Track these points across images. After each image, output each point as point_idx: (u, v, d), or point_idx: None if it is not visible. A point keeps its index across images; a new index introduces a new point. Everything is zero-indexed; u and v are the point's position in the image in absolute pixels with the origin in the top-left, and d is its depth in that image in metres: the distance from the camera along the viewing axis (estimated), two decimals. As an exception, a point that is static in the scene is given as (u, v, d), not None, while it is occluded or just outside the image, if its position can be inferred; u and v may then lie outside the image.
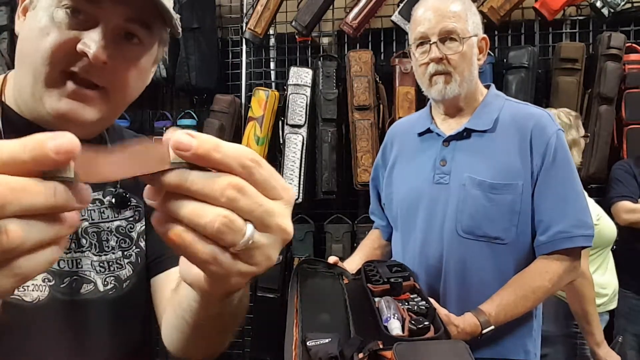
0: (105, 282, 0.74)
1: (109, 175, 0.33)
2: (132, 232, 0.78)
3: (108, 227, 0.75)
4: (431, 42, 1.28)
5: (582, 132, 2.08)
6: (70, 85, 0.65)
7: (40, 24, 0.64)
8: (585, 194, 1.88)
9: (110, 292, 0.74)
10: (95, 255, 0.74)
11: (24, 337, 0.66)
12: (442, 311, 1.15)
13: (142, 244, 0.78)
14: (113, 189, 0.77)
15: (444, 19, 1.28)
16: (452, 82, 1.29)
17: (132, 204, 0.78)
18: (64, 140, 0.30)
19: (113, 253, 0.75)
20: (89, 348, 0.71)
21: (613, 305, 2.12)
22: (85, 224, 0.73)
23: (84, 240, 0.73)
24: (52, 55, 0.63)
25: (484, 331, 1.19)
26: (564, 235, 1.26)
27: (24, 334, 0.66)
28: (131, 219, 0.78)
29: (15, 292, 0.65)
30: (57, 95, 0.65)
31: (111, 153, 0.33)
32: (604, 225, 1.99)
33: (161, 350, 0.75)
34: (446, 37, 1.28)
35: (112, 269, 0.75)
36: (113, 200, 0.76)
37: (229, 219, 0.34)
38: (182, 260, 0.40)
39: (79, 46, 0.63)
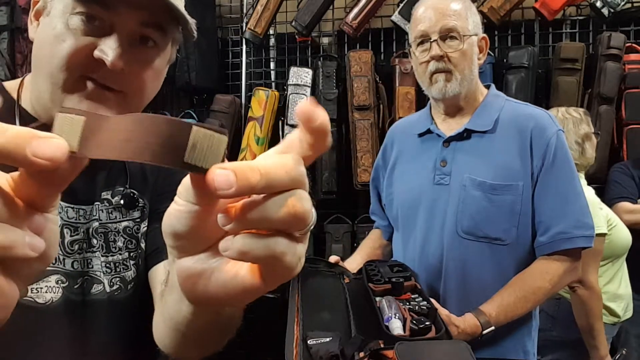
0: (112, 283, 0.74)
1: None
2: (137, 233, 0.78)
3: (115, 228, 0.76)
4: (432, 40, 1.28)
5: (592, 128, 2.07)
6: (90, 85, 0.65)
7: (56, 30, 0.64)
8: (599, 200, 1.88)
9: (116, 293, 0.74)
10: (103, 256, 0.74)
11: (36, 339, 0.66)
12: (443, 311, 1.15)
13: (143, 245, 0.78)
14: (122, 189, 0.77)
15: (445, 17, 1.28)
16: (452, 80, 1.29)
17: (139, 204, 0.78)
18: (52, 147, 0.27)
19: (120, 254, 0.75)
20: (97, 348, 0.72)
21: (629, 314, 2.09)
22: (96, 224, 0.74)
23: (94, 241, 0.73)
24: (69, 62, 0.64)
25: (485, 332, 1.19)
26: (564, 236, 1.26)
27: (36, 336, 0.66)
28: (138, 220, 0.78)
29: (28, 294, 0.65)
30: (77, 98, 0.65)
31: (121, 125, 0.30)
32: (617, 234, 1.94)
33: (162, 350, 0.75)
34: (447, 35, 1.28)
35: (118, 269, 0.75)
36: (122, 201, 0.76)
37: (302, 197, 0.32)
38: (185, 276, 0.36)
39: (97, 53, 0.63)
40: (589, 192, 1.90)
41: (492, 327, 1.20)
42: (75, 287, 0.70)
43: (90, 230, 0.73)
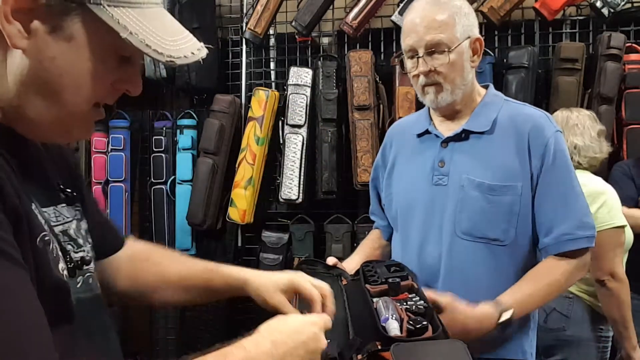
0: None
1: None
2: (83, 230, 0.76)
3: (77, 226, 0.74)
4: (419, 56, 1.28)
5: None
6: (102, 112, 0.68)
7: (90, 67, 0.62)
8: (615, 194, 1.90)
9: (98, 292, 0.74)
10: (90, 253, 0.74)
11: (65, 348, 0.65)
12: (445, 298, 1.16)
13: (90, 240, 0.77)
14: (58, 190, 0.74)
15: (429, 30, 1.26)
16: (443, 92, 1.29)
17: (77, 206, 0.76)
18: None
19: (84, 250, 0.74)
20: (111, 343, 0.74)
21: None
22: (74, 224, 0.72)
23: (80, 240, 0.72)
24: (97, 97, 0.65)
25: (502, 319, 1.18)
26: (568, 237, 1.26)
27: (66, 345, 0.64)
28: (79, 217, 0.76)
29: None
30: (89, 125, 0.68)
31: None
32: (628, 232, 1.97)
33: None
34: (433, 50, 1.27)
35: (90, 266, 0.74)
36: (66, 198, 0.74)
37: None
38: None
39: (127, 88, 0.67)
40: (609, 187, 1.94)
41: (511, 310, 1.18)
42: (78, 286, 0.69)
43: (72, 231, 0.71)
